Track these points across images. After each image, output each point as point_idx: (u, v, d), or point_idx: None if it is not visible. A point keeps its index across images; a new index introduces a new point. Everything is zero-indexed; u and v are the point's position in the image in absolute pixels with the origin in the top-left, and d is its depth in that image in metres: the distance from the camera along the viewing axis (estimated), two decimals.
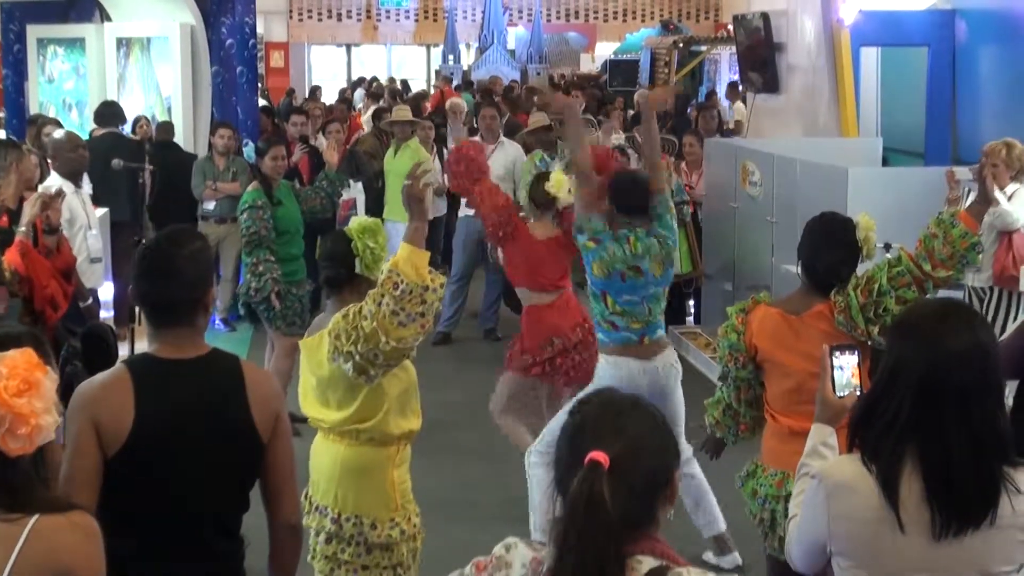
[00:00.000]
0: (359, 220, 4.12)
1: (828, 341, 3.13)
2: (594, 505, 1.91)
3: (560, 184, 6.36)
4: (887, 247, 7.03)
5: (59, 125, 8.67)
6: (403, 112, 10.99)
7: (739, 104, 15.41)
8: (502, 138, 10.09)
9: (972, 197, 6.88)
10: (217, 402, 2.94)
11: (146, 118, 10.60)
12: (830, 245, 4.08)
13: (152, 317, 2.98)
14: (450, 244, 10.58)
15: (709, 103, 9.83)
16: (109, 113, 9.89)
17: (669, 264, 5.53)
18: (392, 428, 3.96)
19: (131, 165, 8.69)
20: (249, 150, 7.31)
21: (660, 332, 5.57)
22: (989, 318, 6.81)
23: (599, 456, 1.95)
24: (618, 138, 11.21)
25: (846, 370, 2.88)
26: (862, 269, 4.19)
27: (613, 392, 2.17)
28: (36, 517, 2.29)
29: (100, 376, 2.96)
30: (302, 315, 7.30)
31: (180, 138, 10.50)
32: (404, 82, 23.43)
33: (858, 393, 2.83)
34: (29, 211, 4.76)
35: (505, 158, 9.81)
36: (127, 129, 10.45)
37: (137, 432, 2.81)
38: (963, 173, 7.17)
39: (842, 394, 2.86)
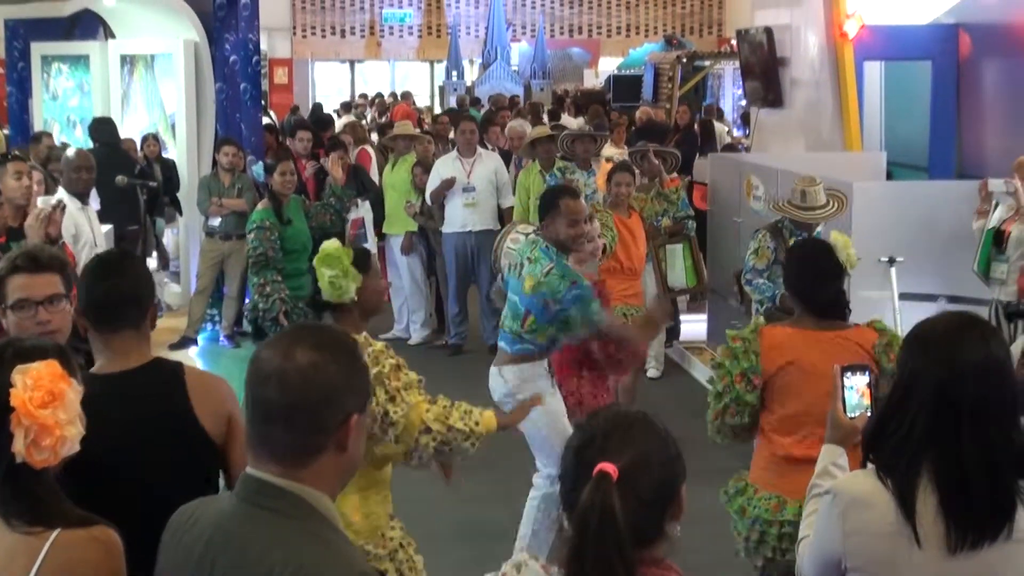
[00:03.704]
0: (323, 247, 4.00)
1: (854, 359, 3.12)
2: (606, 516, 1.90)
3: None
4: (891, 261, 7.02)
5: (53, 148, 8.65)
6: (405, 127, 11.00)
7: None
8: (479, 150, 10.09)
9: (1000, 210, 6.83)
10: (157, 412, 2.93)
11: (153, 136, 10.62)
12: (823, 280, 4.13)
13: (100, 321, 2.99)
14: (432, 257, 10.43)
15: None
16: (104, 129, 9.93)
17: (526, 289, 5.42)
18: None
19: (135, 182, 8.67)
20: (258, 168, 7.34)
21: (503, 343, 5.73)
22: None
23: (608, 467, 1.94)
24: (621, 153, 11.22)
25: (857, 390, 2.87)
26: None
27: (621, 407, 2.17)
28: (57, 531, 2.29)
29: None
30: None
31: (184, 155, 10.52)
32: (406, 93, 23.53)
33: (868, 414, 2.82)
34: (34, 232, 4.72)
35: (486, 170, 9.88)
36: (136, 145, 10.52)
37: (77, 457, 2.60)
38: (996, 185, 7.12)
39: (853, 415, 2.85)
